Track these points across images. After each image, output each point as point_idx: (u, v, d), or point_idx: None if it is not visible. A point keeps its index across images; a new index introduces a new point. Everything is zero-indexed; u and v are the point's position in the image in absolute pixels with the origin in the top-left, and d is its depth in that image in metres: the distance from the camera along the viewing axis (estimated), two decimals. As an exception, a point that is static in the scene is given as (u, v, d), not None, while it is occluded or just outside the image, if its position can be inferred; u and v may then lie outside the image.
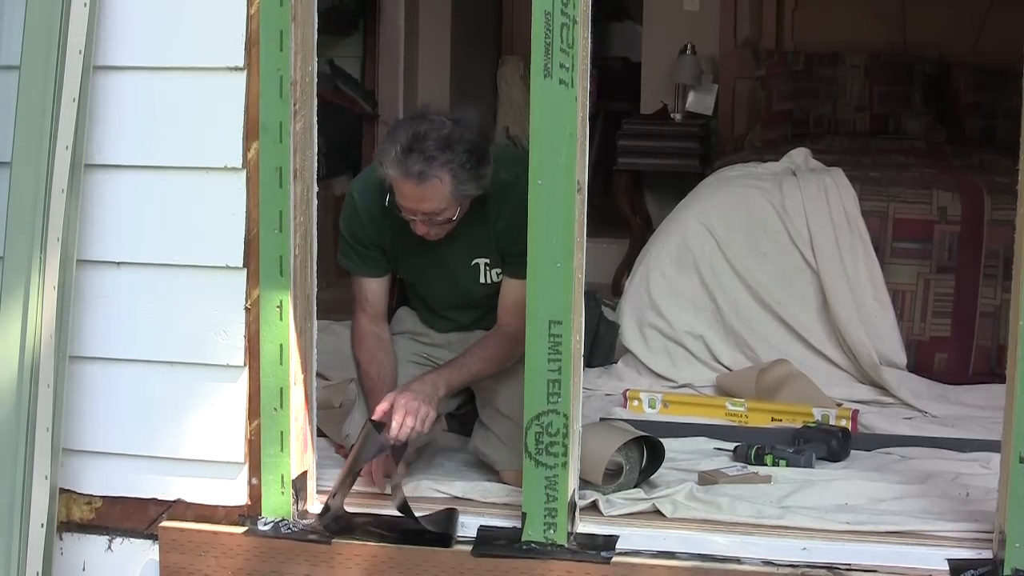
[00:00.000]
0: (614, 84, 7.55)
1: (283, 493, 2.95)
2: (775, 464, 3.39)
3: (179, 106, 2.92)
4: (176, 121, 2.92)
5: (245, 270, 2.91)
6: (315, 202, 2.97)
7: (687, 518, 2.94)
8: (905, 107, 5.81)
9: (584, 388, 2.98)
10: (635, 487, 3.10)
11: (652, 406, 3.97)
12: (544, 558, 2.79)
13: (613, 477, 3.08)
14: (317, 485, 3.07)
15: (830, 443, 3.49)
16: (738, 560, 2.76)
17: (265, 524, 2.95)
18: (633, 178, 6.34)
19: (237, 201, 2.90)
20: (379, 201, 3.15)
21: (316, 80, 2.95)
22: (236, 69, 2.87)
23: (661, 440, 3.20)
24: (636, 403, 3.98)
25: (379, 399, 3.05)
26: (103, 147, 2.95)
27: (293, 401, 2.94)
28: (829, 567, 2.72)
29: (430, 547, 2.84)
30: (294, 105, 2.86)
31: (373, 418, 2.98)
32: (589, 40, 2.75)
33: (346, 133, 6.05)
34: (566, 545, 2.81)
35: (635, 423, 3.43)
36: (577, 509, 2.88)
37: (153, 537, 3.02)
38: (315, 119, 2.95)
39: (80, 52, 2.85)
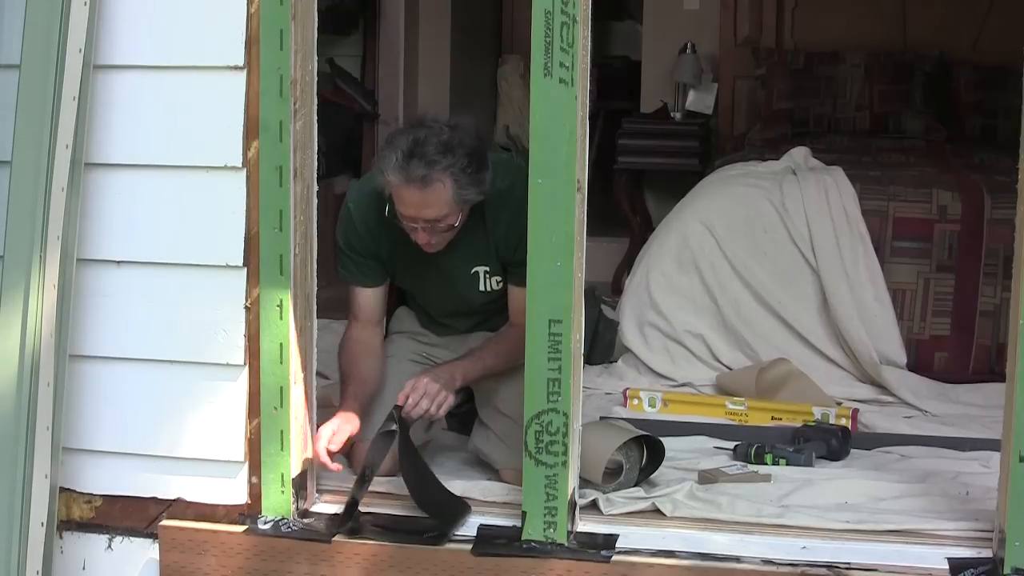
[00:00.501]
0: (614, 83, 7.55)
1: (283, 492, 2.95)
2: (775, 463, 3.39)
3: (179, 105, 2.92)
4: (176, 120, 2.92)
5: (245, 269, 2.92)
6: (315, 201, 2.97)
7: (687, 517, 2.94)
8: (905, 106, 5.81)
9: (584, 387, 2.98)
10: (635, 486, 3.10)
11: (652, 405, 3.97)
12: (544, 557, 2.79)
13: (613, 476, 3.08)
14: (317, 484, 3.08)
15: (830, 442, 3.49)
16: (738, 559, 2.76)
17: (265, 523, 2.95)
18: (633, 177, 6.34)
19: (237, 200, 2.90)
20: (376, 211, 3.14)
21: (316, 79, 2.95)
22: (236, 68, 2.87)
23: (661, 439, 3.20)
24: (636, 402, 3.98)
25: (351, 401, 3.12)
26: (103, 146, 2.95)
27: (293, 400, 2.94)
28: (829, 566, 2.72)
29: (429, 546, 2.84)
30: (294, 104, 2.86)
31: (397, 403, 3.00)
32: (589, 39, 2.75)
33: (346, 132, 6.06)
34: (566, 544, 2.81)
35: (635, 422, 3.43)
36: (577, 508, 2.88)
37: (153, 536, 3.02)
38: (315, 118, 2.95)
39: (80, 51, 2.85)
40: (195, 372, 2.97)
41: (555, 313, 2.76)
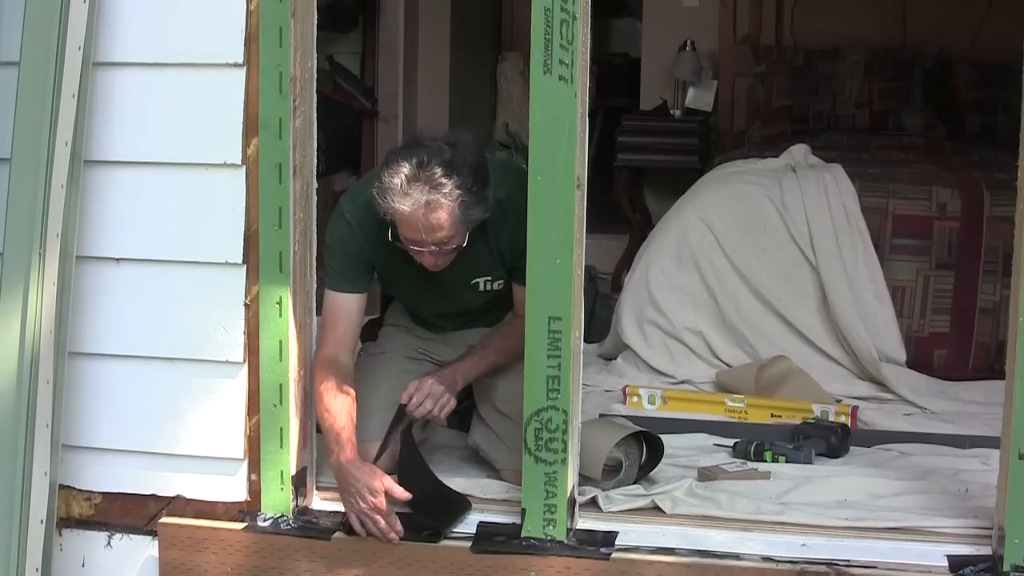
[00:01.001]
0: (614, 80, 7.54)
1: (282, 489, 2.95)
2: (774, 460, 3.39)
3: (179, 102, 2.92)
4: (176, 117, 2.92)
5: (245, 266, 2.92)
6: (315, 198, 2.97)
7: (686, 514, 2.94)
8: (905, 103, 5.81)
9: (583, 384, 2.98)
10: (634, 483, 3.10)
11: (651, 402, 3.97)
12: (543, 554, 2.79)
13: (612, 473, 3.08)
14: (317, 481, 3.08)
15: (829, 439, 3.49)
16: (737, 556, 2.76)
17: (265, 520, 2.96)
18: (633, 174, 6.34)
19: (237, 197, 2.90)
20: (375, 223, 2.98)
21: (316, 76, 2.95)
22: (236, 65, 2.87)
23: (660, 436, 3.20)
24: (635, 399, 3.98)
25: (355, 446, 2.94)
26: (103, 143, 2.95)
27: (292, 397, 2.94)
28: (828, 563, 2.72)
29: (427, 543, 2.84)
30: (294, 101, 2.86)
31: (401, 402, 2.99)
32: (589, 36, 2.75)
33: (346, 129, 6.05)
34: (565, 541, 2.81)
35: (634, 419, 3.43)
36: (576, 505, 2.88)
37: (152, 533, 3.03)
38: (315, 115, 2.95)
39: (79, 48, 2.85)
40: (195, 369, 2.97)
41: (555, 310, 2.76)
